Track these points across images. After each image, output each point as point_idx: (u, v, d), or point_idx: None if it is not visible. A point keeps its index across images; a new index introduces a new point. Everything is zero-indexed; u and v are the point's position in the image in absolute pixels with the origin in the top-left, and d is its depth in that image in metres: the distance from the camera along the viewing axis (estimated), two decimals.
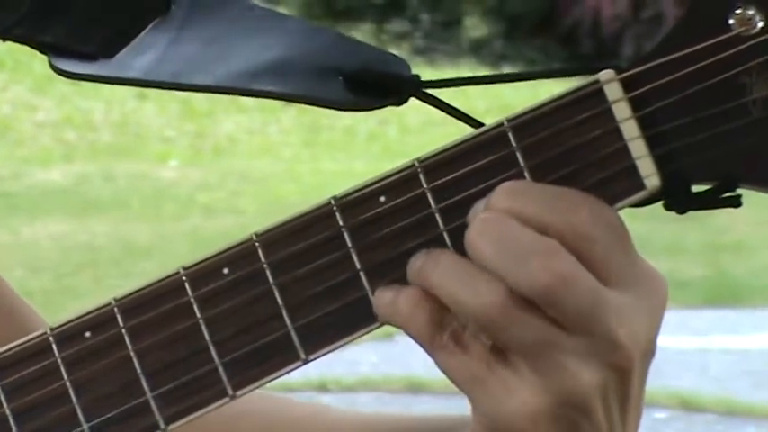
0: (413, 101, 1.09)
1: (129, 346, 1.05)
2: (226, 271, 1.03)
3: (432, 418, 1.29)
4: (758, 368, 9.94)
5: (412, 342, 0.99)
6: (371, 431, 1.31)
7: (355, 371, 9.98)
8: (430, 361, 0.98)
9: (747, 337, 10.85)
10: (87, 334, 1.06)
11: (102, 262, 13.18)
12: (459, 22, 24.69)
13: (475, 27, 24.55)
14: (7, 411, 1.08)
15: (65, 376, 1.07)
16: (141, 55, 1.16)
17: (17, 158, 17.14)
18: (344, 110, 1.10)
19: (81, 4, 1.20)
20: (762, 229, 12.57)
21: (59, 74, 1.19)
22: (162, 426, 1.05)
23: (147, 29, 1.18)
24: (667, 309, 0.96)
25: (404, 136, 18.10)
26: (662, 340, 0.97)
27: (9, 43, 1.32)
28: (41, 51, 1.20)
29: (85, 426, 1.07)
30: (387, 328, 1.00)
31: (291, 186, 15.80)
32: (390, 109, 1.12)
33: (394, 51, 1.09)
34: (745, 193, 0.94)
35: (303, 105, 1.13)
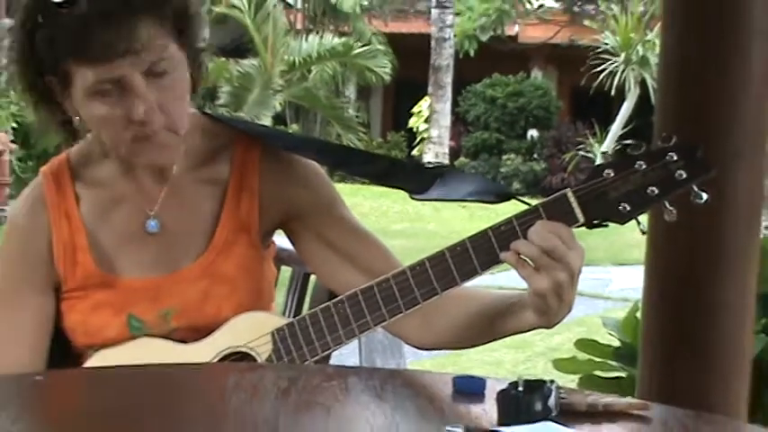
0: None
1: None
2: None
3: (499, 292, 1.66)
4: None
5: None
6: (478, 297, 1.63)
7: None
8: None
9: None
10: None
11: None
12: None
13: None
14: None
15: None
16: (433, 191, 1.60)
17: None
18: (492, 203, 1.57)
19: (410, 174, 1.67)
20: None
21: (414, 199, 1.64)
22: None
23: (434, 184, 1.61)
24: None
25: None
26: None
27: None
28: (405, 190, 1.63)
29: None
30: None
31: None
32: None
33: None
34: None
35: None
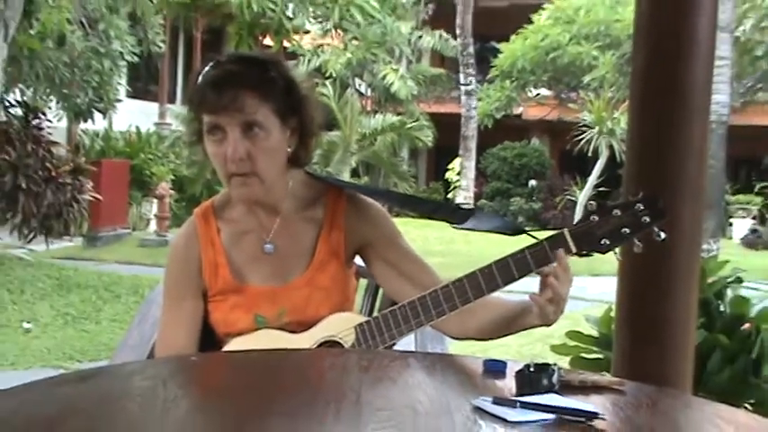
0: None
1: None
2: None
3: (508, 300, 1.56)
4: None
5: None
6: (499, 305, 1.56)
7: None
8: None
9: None
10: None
11: None
12: None
13: None
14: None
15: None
16: (468, 224, 1.58)
17: None
18: (510, 235, 1.51)
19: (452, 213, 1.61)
20: None
21: (454, 227, 1.59)
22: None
23: (468, 219, 1.57)
24: None
25: None
26: None
27: None
28: (447, 222, 1.59)
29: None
30: None
31: None
32: None
33: None
34: None
35: None
